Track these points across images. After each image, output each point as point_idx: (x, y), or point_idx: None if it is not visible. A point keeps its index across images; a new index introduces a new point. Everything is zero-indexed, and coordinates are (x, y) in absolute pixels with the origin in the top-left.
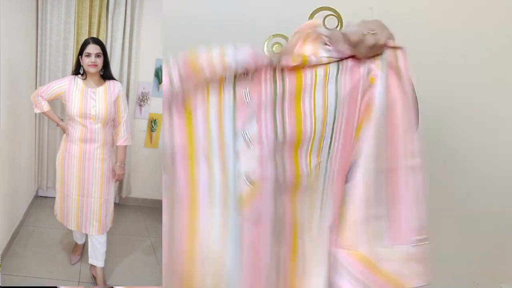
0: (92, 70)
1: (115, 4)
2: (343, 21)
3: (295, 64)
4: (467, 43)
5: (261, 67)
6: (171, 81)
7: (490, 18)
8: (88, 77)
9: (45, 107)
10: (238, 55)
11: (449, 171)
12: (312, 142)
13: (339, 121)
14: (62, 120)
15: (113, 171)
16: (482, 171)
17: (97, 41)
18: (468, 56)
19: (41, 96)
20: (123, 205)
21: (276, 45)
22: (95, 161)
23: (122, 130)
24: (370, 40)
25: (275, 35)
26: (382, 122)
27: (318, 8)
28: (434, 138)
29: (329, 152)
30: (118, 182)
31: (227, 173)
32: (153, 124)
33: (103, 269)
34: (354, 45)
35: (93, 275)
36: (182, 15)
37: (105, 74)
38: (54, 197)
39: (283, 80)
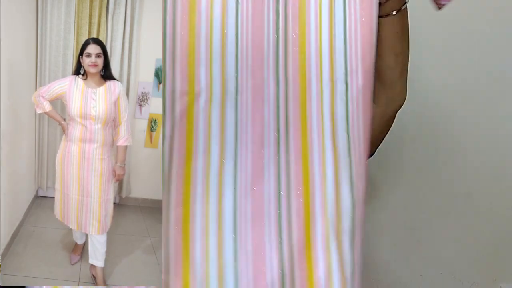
0: (92, 70)
1: (115, 4)
2: None
3: None
4: (468, 43)
5: None
6: None
7: (492, 17)
8: (88, 77)
9: (47, 107)
10: None
11: (449, 171)
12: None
13: None
14: (64, 119)
15: (114, 171)
16: (482, 171)
17: (97, 41)
18: (468, 56)
19: (42, 97)
20: (123, 205)
21: None
22: (94, 161)
23: (123, 130)
24: None
25: None
26: None
27: None
28: (434, 138)
29: None
30: (118, 182)
31: None
32: (153, 124)
33: (103, 269)
34: None
35: (93, 275)
36: None
37: (106, 74)
38: (54, 197)
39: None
